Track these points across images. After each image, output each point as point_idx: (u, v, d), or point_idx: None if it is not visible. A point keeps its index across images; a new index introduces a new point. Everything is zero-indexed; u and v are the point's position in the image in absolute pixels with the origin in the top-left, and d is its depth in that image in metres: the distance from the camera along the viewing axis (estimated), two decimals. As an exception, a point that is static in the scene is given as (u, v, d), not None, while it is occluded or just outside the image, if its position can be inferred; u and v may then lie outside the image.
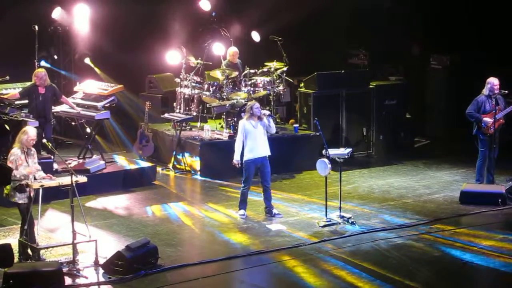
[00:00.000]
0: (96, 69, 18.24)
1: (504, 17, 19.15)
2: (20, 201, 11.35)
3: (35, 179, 11.40)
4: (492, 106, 14.66)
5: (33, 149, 11.54)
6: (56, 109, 16.23)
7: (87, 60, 18.32)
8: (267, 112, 13.59)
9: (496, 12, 19.18)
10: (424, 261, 11.61)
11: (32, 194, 11.37)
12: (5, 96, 15.04)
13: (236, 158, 13.50)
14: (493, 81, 14.71)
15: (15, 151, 11.37)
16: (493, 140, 14.73)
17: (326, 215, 13.24)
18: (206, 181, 15.96)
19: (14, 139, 11.72)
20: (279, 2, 19.08)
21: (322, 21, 19.57)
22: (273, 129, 13.68)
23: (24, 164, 11.34)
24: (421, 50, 20.24)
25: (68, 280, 10.72)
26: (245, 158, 13.44)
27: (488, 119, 14.65)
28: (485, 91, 14.77)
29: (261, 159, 13.45)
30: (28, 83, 15.13)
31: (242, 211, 13.56)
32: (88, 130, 16.37)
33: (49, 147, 11.63)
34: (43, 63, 17.23)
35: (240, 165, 13.49)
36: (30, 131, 11.49)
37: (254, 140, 13.38)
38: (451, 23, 19.54)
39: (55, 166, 14.30)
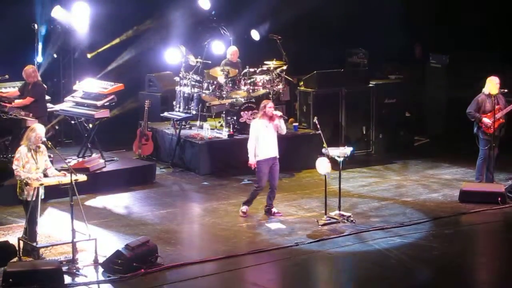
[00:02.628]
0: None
1: (504, 16, 19.18)
2: (28, 199, 11.35)
3: (46, 176, 11.42)
4: (493, 106, 14.65)
5: (43, 146, 11.53)
6: (56, 107, 16.23)
7: (89, 56, 18.30)
8: (279, 113, 13.41)
9: (497, 11, 19.20)
10: (423, 260, 11.61)
11: (40, 193, 11.37)
12: (5, 95, 15.02)
13: (251, 159, 13.33)
14: (494, 80, 14.70)
15: (21, 149, 11.37)
16: (493, 139, 14.72)
17: (325, 213, 13.24)
18: (206, 179, 15.96)
19: (15, 138, 11.75)
20: (278, 1, 19.07)
21: (321, 20, 19.57)
22: (284, 130, 13.53)
23: (31, 162, 11.33)
24: (422, 51, 20.24)
25: (67, 279, 10.72)
26: (257, 159, 13.35)
27: (487, 120, 14.64)
28: (485, 89, 14.77)
29: (272, 159, 13.39)
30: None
31: (245, 208, 13.47)
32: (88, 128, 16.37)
33: (49, 145, 11.61)
34: (38, 57, 17.17)
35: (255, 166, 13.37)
36: (39, 128, 11.48)
37: (266, 140, 13.27)
38: (451, 22, 19.56)
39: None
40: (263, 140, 13.28)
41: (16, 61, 16.15)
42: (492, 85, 14.65)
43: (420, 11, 20.06)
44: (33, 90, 14.85)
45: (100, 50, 18.21)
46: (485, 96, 14.76)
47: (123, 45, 18.40)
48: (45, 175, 11.48)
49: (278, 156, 13.43)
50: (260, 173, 13.35)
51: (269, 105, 13.31)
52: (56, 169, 12.01)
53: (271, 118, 13.29)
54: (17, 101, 14.78)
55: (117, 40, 18.28)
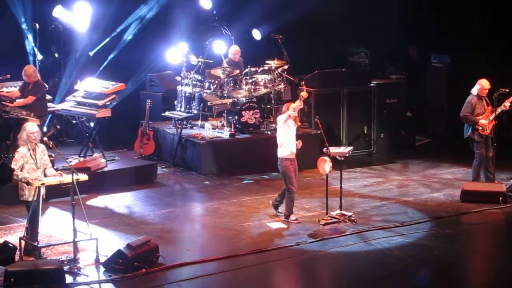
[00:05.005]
0: None
1: (505, 16, 19.18)
2: (29, 199, 11.36)
3: (44, 175, 11.43)
4: (484, 107, 14.67)
5: (42, 145, 11.54)
6: (57, 107, 16.23)
7: (91, 53, 18.27)
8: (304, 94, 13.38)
9: (498, 11, 19.21)
10: (424, 260, 11.62)
11: (42, 192, 11.37)
12: (7, 95, 15.01)
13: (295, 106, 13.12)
14: (483, 85, 14.65)
15: (20, 150, 11.39)
16: (490, 140, 14.71)
17: (327, 213, 13.25)
18: (207, 179, 15.96)
19: (16, 138, 11.75)
20: (280, 1, 19.07)
21: (323, 19, 19.57)
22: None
23: (31, 162, 11.34)
24: (418, 52, 20.25)
25: (69, 278, 10.73)
26: (283, 157, 13.18)
27: (484, 121, 14.62)
28: (474, 90, 14.74)
29: (294, 160, 13.23)
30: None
31: (292, 216, 13.26)
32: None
33: (50, 145, 11.62)
34: (39, 56, 17.15)
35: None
36: (28, 126, 11.48)
37: (291, 138, 13.18)
38: (453, 22, 19.56)
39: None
40: (289, 136, 13.21)
41: (17, 61, 16.15)
42: (479, 87, 14.65)
43: (421, 10, 20.05)
44: (35, 88, 14.82)
45: (101, 45, 18.17)
46: (477, 98, 14.75)
47: (124, 44, 18.39)
48: (44, 175, 11.48)
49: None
50: (288, 176, 13.18)
51: (292, 106, 13.20)
52: (57, 168, 12.02)
53: (295, 120, 13.28)
54: (18, 100, 14.78)
55: (116, 32, 18.27)
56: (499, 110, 14.69)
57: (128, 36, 18.42)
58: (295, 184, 13.23)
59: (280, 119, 13.28)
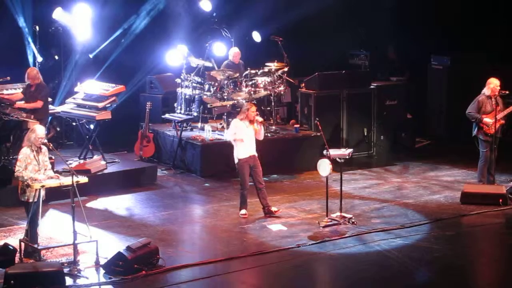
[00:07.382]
0: None
1: (505, 17, 19.20)
2: (30, 200, 11.36)
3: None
4: (492, 106, 14.66)
5: (44, 147, 11.56)
6: (57, 109, 16.24)
7: (91, 55, 18.27)
8: (260, 119, 13.68)
9: (498, 11, 19.23)
10: (425, 262, 11.62)
11: (42, 194, 11.38)
12: (9, 97, 15.00)
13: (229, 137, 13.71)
14: (495, 83, 14.70)
15: (24, 150, 11.42)
16: (494, 140, 14.72)
17: (327, 215, 13.25)
18: (207, 181, 15.96)
19: (16, 140, 11.77)
20: (280, 3, 19.08)
21: (322, 21, 19.58)
22: (261, 137, 13.75)
23: (34, 163, 11.36)
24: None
25: (69, 281, 10.73)
26: (237, 160, 13.49)
27: (488, 120, 14.65)
28: (486, 91, 14.78)
29: (252, 159, 13.48)
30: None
31: (243, 211, 13.56)
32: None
33: (50, 147, 11.62)
34: (39, 58, 17.15)
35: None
36: (38, 129, 11.52)
37: (245, 141, 13.41)
38: (452, 23, 19.58)
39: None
40: (243, 140, 13.42)
41: (17, 63, 16.15)
42: (492, 86, 14.67)
43: (420, 12, 20.07)
44: (41, 92, 14.75)
45: (100, 47, 18.17)
46: (485, 97, 14.77)
47: (124, 47, 18.39)
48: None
49: (257, 154, 13.55)
50: (241, 174, 13.50)
51: (252, 109, 13.53)
52: (57, 170, 12.02)
53: (251, 121, 13.47)
54: (26, 104, 14.74)
55: (116, 34, 18.28)
56: (509, 109, 14.70)
57: (128, 38, 18.42)
58: (243, 184, 13.48)
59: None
